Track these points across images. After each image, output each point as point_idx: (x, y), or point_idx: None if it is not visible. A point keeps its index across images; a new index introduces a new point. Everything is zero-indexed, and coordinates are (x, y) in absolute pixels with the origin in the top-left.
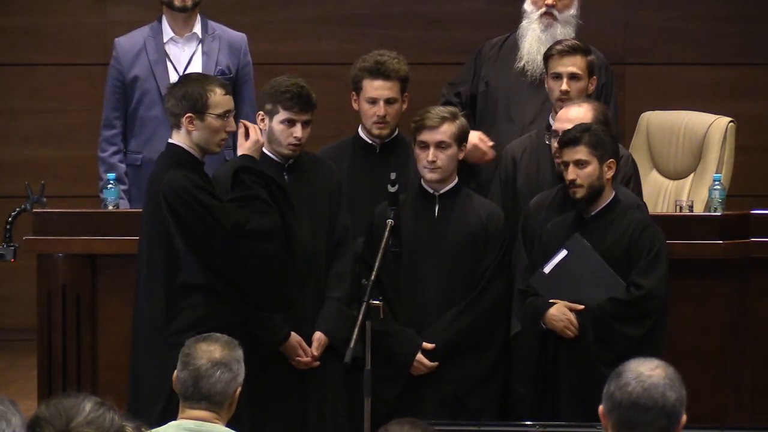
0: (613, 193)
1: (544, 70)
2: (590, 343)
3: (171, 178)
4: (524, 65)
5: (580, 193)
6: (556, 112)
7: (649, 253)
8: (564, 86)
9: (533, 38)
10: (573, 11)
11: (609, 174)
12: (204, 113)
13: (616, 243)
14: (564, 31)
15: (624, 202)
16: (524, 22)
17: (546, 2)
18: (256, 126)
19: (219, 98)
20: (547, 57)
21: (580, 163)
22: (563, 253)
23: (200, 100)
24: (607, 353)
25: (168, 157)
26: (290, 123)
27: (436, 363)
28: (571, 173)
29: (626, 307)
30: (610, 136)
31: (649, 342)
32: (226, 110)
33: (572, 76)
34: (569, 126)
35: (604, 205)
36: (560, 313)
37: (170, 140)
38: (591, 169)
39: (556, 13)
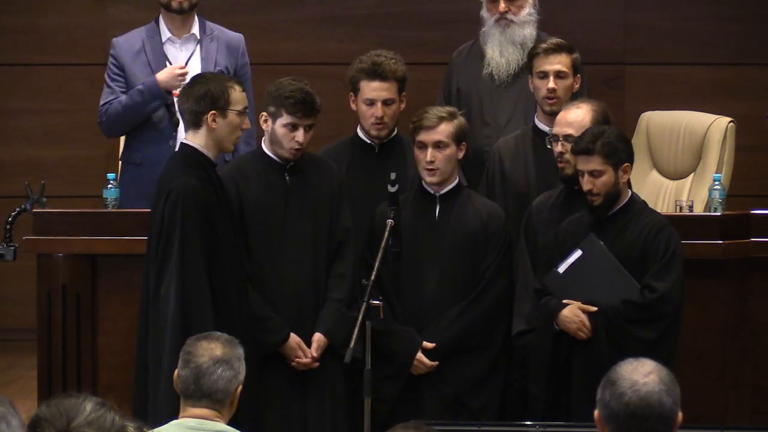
0: (629, 193)
1: (528, 69)
2: (603, 345)
3: (186, 182)
4: (491, 71)
5: (597, 201)
6: (543, 111)
7: (664, 256)
8: (551, 84)
9: (494, 43)
10: (528, 10)
11: (625, 178)
12: (226, 110)
13: (631, 244)
14: (523, 32)
15: (640, 203)
16: (484, 29)
17: (499, 10)
18: None
19: (238, 95)
20: (532, 56)
21: (594, 173)
22: (578, 253)
23: (222, 97)
24: (619, 356)
25: (181, 158)
26: (293, 127)
27: (436, 362)
28: (587, 183)
29: (640, 310)
30: (623, 140)
31: (663, 345)
32: (244, 107)
33: (558, 74)
34: (569, 129)
35: (620, 206)
36: (573, 314)
37: (183, 140)
38: (606, 177)
39: (510, 17)
